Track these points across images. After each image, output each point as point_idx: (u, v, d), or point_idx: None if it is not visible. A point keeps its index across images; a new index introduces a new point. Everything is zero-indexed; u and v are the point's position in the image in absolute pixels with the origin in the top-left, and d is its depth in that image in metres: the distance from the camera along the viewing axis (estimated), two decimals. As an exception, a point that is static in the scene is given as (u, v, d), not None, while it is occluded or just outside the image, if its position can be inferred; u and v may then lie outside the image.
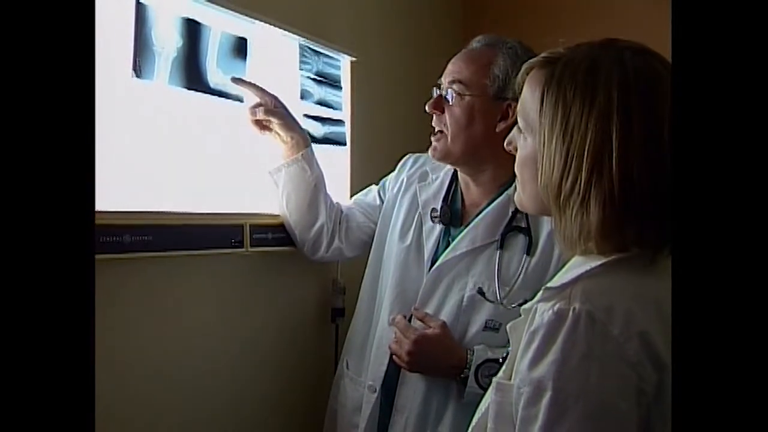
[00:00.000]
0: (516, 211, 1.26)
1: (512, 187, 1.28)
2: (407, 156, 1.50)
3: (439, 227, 1.33)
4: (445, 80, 1.30)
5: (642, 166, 0.71)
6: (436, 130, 1.31)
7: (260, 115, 1.34)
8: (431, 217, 1.34)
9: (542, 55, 0.80)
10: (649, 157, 0.71)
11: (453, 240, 1.30)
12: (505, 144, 0.86)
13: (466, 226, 1.30)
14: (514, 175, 1.08)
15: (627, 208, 0.71)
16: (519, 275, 1.23)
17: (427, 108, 1.30)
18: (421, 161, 1.46)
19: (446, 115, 1.28)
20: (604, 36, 0.79)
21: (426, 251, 1.32)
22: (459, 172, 1.36)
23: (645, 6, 1.90)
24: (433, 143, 1.32)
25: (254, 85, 1.34)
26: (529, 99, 0.79)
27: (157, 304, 1.22)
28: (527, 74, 0.81)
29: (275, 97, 1.36)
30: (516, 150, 0.84)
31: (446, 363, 1.22)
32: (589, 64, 0.74)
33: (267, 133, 1.37)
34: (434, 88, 1.32)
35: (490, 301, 1.22)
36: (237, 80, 1.31)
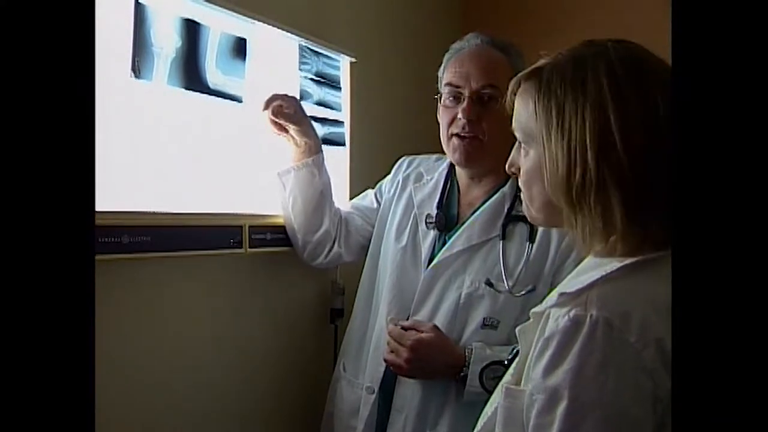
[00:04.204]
0: (512, 204, 1.28)
1: (508, 185, 1.31)
2: (402, 158, 1.51)
3: (434, 231, 1.33)
4: (474, 84, 1.27)
5: (646, 141, 0.71)
6: (467, 135, 1.27)
7: (281, 119, 1.34)
8: (426, 223, 1.34)
9: (527, 69, 0.82)
10: (649, 132, 0.71)
11: (449, 239, 1.30)
12: (506, 168, 0.87)
13: (462, 225, 1.31)
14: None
15: (645, 190, 0.71)
16: (523, 263, 1.24)
17: (463, 115, 1.26)
18: (416, 163, 1.47)
19: (483, 122, 1.26)
20: (603, 34, 0.80)
21: (423, 252, 1.32)
22: (463, 173, 1.36)
23: (644, 4, 1.90)
24: (464, 147, 1.28)
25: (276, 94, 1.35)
26: (523, 111, 0.80)
27: (155, 305, 1.22)
28: (515, 91, 0.83)
29: (296, 100, 1.37)
30: (519, 171, 0.84)
31: (445, 364, 1.22)
32: (574, 61, 0.77)
33: (283, 134, 1.38)
34: (450, 88, 1.29)
35: (499, 292, 1.23)
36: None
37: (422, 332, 1.23)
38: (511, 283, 1.23)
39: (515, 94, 0.82)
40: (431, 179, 1.40)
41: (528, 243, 1.25)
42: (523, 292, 1.22)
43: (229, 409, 1.39)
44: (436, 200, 1.36)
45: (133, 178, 1.15)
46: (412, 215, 1.37)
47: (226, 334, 1.38)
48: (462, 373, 1.20)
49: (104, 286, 0.88)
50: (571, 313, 0.70)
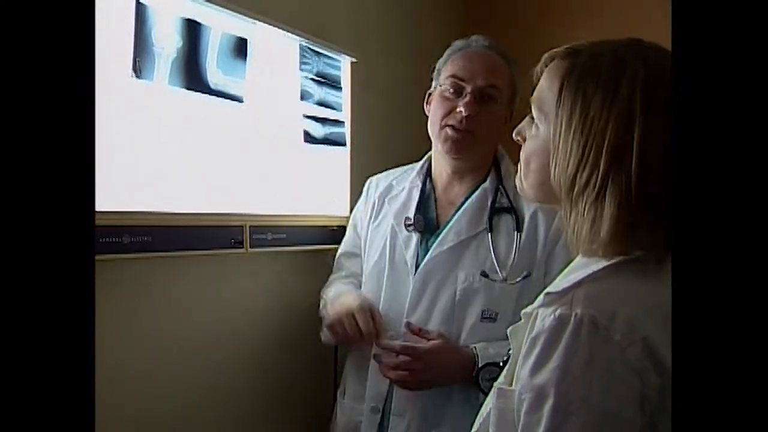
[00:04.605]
0: (495, 198, 1.30)
1: (488, 181, 1.33)
2: (368, 180, 1.51)
3: (416, 235, 1.32)
4: (479, 81, 1.28)
5: (661, 164, 0.69)
6: (462, 129, 1.28)
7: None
8: (406, 226, 1.33)
9: (565, 46, 0.78)
10: (668, 156, 0.69)
11: (434, 240, 1.30)
12: (513, 134, 0.85)
13: (447, 223, 1.31)
14: (491, 170, 1.23)
15: (641, 208, 0.70)
16: (514, 252, 1.25)
17: (465, 110, 1.27)
18: (384, 180, 1.47)
19: (480, 119, 1.28)
20: (603, 34, 0.79)
21: (408, 259, 1.31)
22: (444, 170, 1.35)
23: (644, 4, 1.90)
24: (457, 138, 1.28)
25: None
26: (546, 88, 0.78)
27: (156, 305, 1.22)
28: (546, 64, 0.80)
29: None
30: (524, 140, 0.83)
31: (457, 366, 1.21)
32: (614, 58, 0.74)
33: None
34: (454, 80, 1.30)
35: (494, 281, 1.24)
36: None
37: (429, 339, 1.23)
38: (505, 273, 1.24)
39: (546, 66, 0.79)
40: (403, 189, 1.40)
41: (516, 233, 1.27)
42: (518, 279, 1.23)
43: (228, 410, 1.39)
44: (414, 205, 1.35)
45: (133, 178, 1.16)
46: (390, 227, 1.36)
47: (226, 334, 1.38)
48: (475, 373, 1.19)
49: (104, 286, 0.89)
50: (557, 312, 0.70)
